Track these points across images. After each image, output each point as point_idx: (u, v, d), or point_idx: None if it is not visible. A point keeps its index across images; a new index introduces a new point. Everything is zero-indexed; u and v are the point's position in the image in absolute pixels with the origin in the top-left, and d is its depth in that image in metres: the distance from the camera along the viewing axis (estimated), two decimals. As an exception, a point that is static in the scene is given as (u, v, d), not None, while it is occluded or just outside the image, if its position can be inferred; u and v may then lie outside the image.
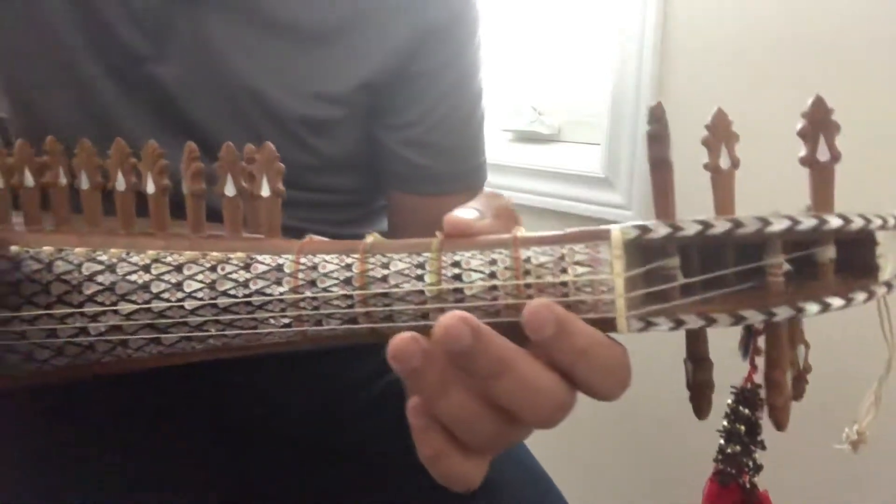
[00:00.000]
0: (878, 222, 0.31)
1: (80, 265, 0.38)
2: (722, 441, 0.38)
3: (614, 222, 0.32)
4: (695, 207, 0.33)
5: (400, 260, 0.34)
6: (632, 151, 1.12)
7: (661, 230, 0.31)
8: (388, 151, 0.63)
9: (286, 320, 0.35)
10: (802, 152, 0.32)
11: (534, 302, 0.29)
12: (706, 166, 0.34)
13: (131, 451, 0.57)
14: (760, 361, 0.35)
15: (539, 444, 0.70)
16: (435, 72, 0.62)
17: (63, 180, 0.40)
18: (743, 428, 0.38)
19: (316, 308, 0.35)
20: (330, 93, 0.59)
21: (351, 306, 0.34)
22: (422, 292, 0.33)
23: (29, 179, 0.39)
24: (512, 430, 0.31)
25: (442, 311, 0.32)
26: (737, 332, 0.38)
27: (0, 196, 0.40)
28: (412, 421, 0.31)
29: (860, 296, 0.31)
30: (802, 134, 0.32)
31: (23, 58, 0.56)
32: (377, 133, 0.64)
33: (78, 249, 0.38)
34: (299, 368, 0.66)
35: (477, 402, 0.30)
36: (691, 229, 0.31)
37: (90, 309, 0.37)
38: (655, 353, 1.13)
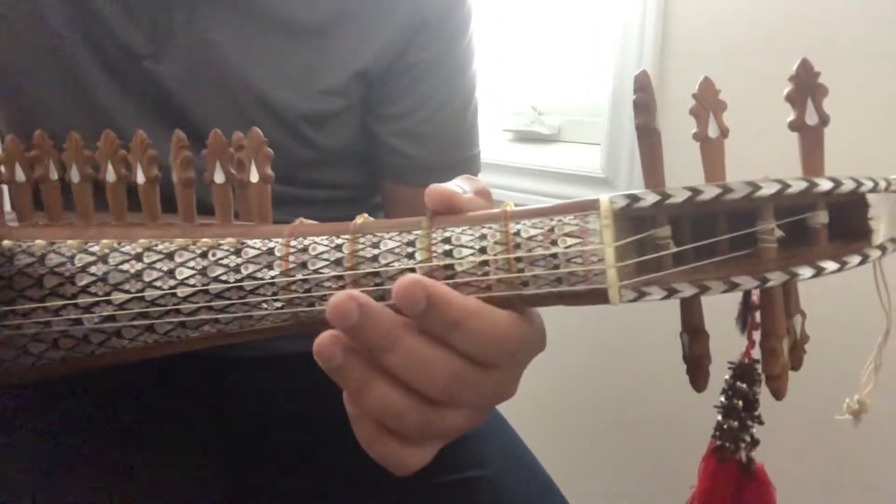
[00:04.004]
0: (869, 185, 0.31)
1: (72, 257, 0.38)
2: (720, 417, 0.38)
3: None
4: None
5: (390, 239, 0.34)
6: (632, 151, 1.12)
7: (650, 198, 0.31)
8: (381, 143, 0.64)
9: (279, 304, 0.35)
10: (791, 117, 0.32)
11: (403, 279, 0.29)
12: (695, 135, 0.33)
13: (130, 452, 0.56)
14: (758, 336, 0.35)
15: (537, 442, 0.70)
16: (428, 63, 0.62)
17: (54, 175, 0.40)
18: (740, 403, 0.37)
19: (307, 290, 0.34)
20: (328, 85, 0.59)
21: (342, 287, 0.34)
22: (413, 270, 0.33)
23: (20, 175, 0.40)
24: (435, 414, 0.31)
25: None
26: (735, 307, 0.38)
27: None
28: (347, 409, 0.32)
29: (854, 259, 0.31)
30: (790, 98, 0.32)
31: (19, 56, 0.56)
32: (371, 125, 0.64)
33: (70, 241, 0.38)
34: (298, 371, 0.66)
35: (396, 391, 0.30)
36: (681, 196, 0.31)
37: (83, 300, 0.37)
38: (654, 350, 1.13)
